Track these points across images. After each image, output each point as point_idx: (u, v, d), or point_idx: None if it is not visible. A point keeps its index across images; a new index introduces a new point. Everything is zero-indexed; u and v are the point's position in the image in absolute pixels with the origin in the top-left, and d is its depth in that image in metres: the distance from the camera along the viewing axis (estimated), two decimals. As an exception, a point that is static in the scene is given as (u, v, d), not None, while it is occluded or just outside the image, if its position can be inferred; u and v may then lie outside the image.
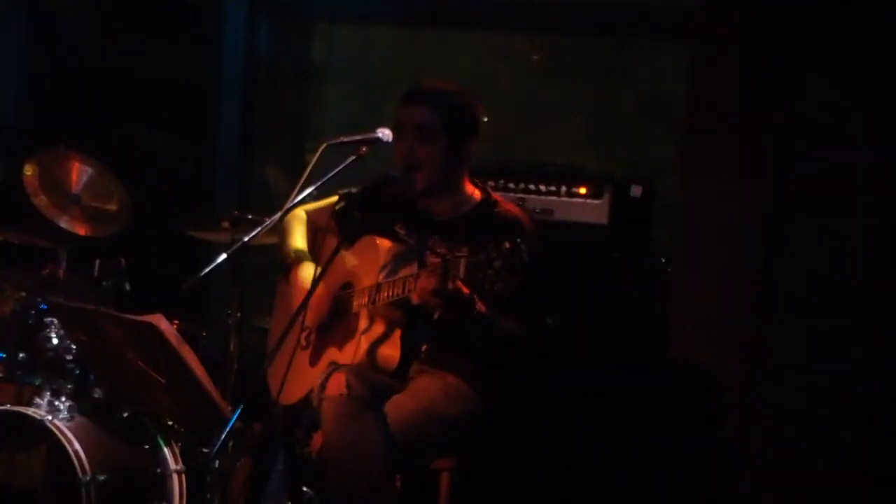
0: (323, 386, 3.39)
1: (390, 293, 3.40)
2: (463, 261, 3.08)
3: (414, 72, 5.56)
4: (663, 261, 4.42)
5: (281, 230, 3.86)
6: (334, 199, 3.65)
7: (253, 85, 6.05)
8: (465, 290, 3.22)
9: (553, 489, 4.33)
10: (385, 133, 3.61)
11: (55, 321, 4.14)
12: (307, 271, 3.73)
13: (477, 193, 3.65)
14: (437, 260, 3.17)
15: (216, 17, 5.95)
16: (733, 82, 4.05)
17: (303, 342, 3.70)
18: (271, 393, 3.64)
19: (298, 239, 3.84)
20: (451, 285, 3.17)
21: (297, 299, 3.60)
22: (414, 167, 3.53)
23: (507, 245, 3.01)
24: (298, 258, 3.78)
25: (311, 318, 3.66)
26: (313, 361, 3.68)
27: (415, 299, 3.28)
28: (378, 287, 3.47)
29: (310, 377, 3.58)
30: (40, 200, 4.38)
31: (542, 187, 4.57)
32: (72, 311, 3.87)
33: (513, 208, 3.64)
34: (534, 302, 3.45)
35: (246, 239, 3.55)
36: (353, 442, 3.31)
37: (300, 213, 3.88)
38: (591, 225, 4.51)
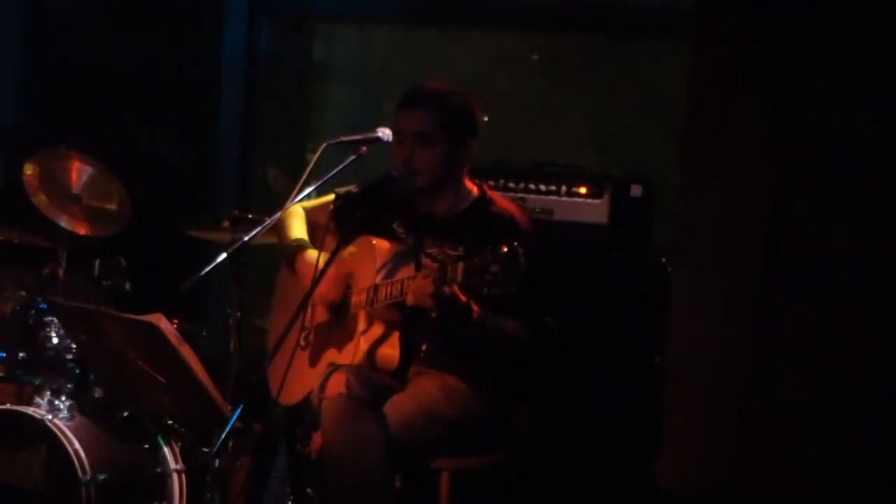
0: (322, 386, 3.39)
1: (388, 294, 3.40)
2: (460, 264, 3.08)
3: (414, 72, 5.57)
4: (663, 261, 4.42)
5: (279, 225, 3.84)
6: (331, 196, 3.65)
7: (253, 85, 6.05)
8: (462, 297, 3.22)
9: (553, 489, 4.33)
10: (385, 133, 3.60)
11: (55, 321, 4.14)
12: (312, 256, 3.65)
13: (475, 190, 3.65)
14: (435, 263, 3.17)
15: (216, 17, 5.95)
16: (733, 82, 4.04)
17: (302, 342, 3.70)
18: (271, 393, 3.64)
19: (298, 230, 3.81)
20: (447, 289, 3.17)
21: (304, 285, 3.57)
22: (415, 172, 3.53)
23: (505, 249, 3.01)
24: (301, 246, 3.73)
25: (326, 294, 3.63)
26: (313, 362, 3.68)
27: (409, 300, 3.28)
28: (376, 288, 3.47)
29: (309, 378, 3.58)
30: (40, 200, 4.38)
31: (542, 187, 4.57)
32: (72, 311, 3.87)
33: (508, 206, 3.63)
34: (533, 303, 3.45)
35: (246, 238, 3.55)
36: (353, 442, 3.31)
37: (298, 209, 3.86)
38: (591, 225, 4.51)
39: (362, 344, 3.49)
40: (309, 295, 3.43)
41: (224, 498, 3.74)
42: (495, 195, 3.66)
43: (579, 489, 4.42)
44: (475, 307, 3.28)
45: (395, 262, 3.53)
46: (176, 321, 4.00)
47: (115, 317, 3.66)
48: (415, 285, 3.25)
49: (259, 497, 3.78)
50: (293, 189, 3.54)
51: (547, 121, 5.58)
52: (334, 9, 6.10)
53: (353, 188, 3.58)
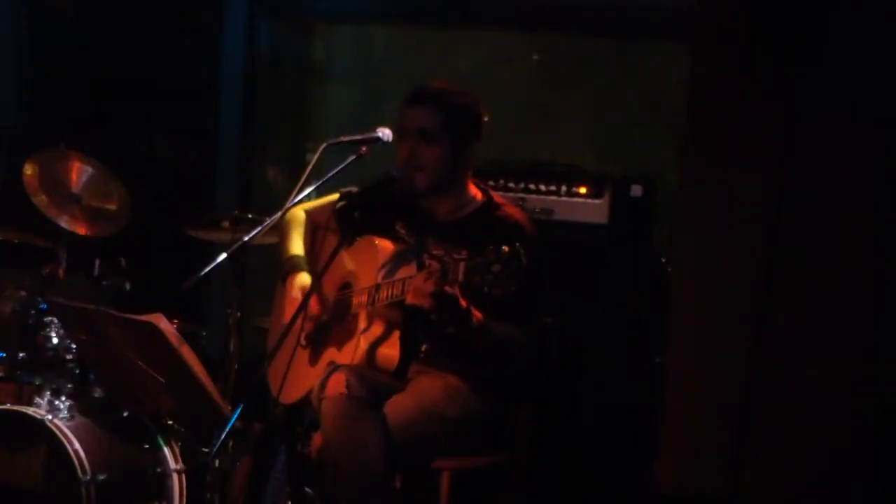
0: (322, 386, 3.39)
1: (389, 294, 3.40)
2: (462, 264, 3.08)
3: (414, 72, 5.57)
4: (663, 261, 4.42)
5: (280, 231, 3.85)
6: (335, 196, 3.65)
7: (253, 85, 6.06)
8: (463, 302, 3.22)
9: (553, 489, 4.33)
10: (385, 133, 3.60)
11: (55, 321, 4.14)
12: (300, 281, 3.71)
13: (479, 195, 3.64)
14: (436, 262, 3.16)
15: (216, 17, 5.95)
16: (733, 82, 4.04)
17: (302, 342, 3.70)
18: (271, 392, 3.64)
19: (296, 243, 3.82)
20: (448, 289, 3.16)
21: (291, 307, 3.60)
22: (416, 169, 3.53)
23: (507, 249, 3.01)
24: (294, 266, 3.76)
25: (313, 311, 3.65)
26: (313, 361, 3.68)
27: (408, 300, 3.27)
28: (377, 287, 3.47)
29: (309, 377, 3.58)
30: (40, 200, 4.38)
31: (542, 187, 4.58)
32: (72, 311, 3.87)
33: (514, 212, 3.62)
34: (533, 306, 3.45)
35: (246, 239, 3.55)
36: (353, 442, 3.31)
37: (299, 214, 3.87)
38: (591, 225, 4.52)
39: (362, 343, 3.49)
40: (302, 308, 3.43)
41: (224, 498, 3.73)
42: (502, 200, 3.65)
43: (579, 489, 4.42)
44: (476, 313, 3.28)
45: (397, 262, 3.53)
46: (176, 321, 4.00)
47: (114, 317, 3.65)
48: (415, 284, 3.24)
49: (259, 497, 3.77)
50: (293, 189, 3.54)
51: (547, 121, 5.58)
52: (334, 9, 6.10)
53: (353, 188, 3.57)
